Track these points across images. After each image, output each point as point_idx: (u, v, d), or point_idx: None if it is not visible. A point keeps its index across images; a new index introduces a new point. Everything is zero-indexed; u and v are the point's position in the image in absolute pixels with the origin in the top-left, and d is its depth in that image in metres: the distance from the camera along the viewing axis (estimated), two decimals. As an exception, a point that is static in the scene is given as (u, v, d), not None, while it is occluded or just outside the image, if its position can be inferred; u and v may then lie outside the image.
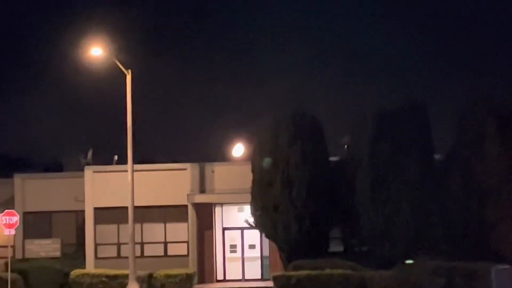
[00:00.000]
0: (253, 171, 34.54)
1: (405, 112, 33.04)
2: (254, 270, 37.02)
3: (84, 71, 34.95)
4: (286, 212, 33.22)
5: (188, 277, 34.14)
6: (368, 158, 32.72)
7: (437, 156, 33.73)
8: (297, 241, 33.24)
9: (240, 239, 37.30)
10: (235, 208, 37.38)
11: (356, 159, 33.49)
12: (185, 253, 36.60)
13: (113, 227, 36.75)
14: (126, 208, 31.26)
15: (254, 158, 34.88)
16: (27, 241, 38.03)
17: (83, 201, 37.21)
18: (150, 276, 33.97)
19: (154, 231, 36.91)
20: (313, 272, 31.59)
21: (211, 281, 36.59)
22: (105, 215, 36.79)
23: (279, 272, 33.13)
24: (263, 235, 35.28)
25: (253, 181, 34.40)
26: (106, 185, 36.88)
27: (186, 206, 36.65)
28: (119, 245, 36.82)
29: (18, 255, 37.81)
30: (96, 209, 37.04)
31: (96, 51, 30.67)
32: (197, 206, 36.78)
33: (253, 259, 37.15)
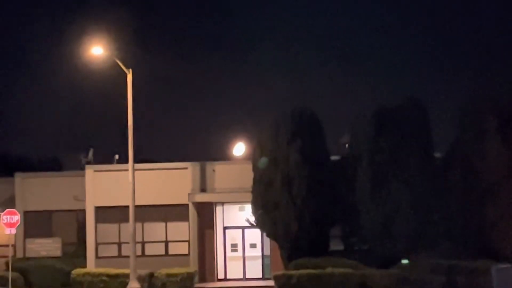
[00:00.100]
0: (253, 170, 34.53)
1: (405, 110, 33.03)
2: (255, 269, 36.97)
3: (84, 71, 34.98)
4: (286, 210, 33.22)
5: (189, 276, 34.11)
6: (368, 156, 32.70)
7: (437, 154, 33.71)
8: (297, 239, 33.22)
9: (241, 238, 37.24)
10: (236, 207, 37.35)
11: (356, 157, 33.47)
12: (186, 252, 36.57)
13: (114, 226, 36.71)
14: (127, 207, 31.30)
15: (254, 157, 34.86)
16: (28, 240, 37.98)
17: (83, 200, 37.19)
18: (151, 275, 33.93)
19: (155, 230, 36.87)
20: (314, 271, 31.58)
21: (212, 280, 36.54)
22: (106, 214, 36.76)
23: (280, 271, 33.09)
24: (264, 234, 35.28)
25: (254, 180, 34.38)
26: (107, 184, 36.82)
27: (187, 205, 36.63)
28: (120, 244, 36.79)
29: (19, 254, 37.77)
30: (97, 208, 37.00)
31: (97, 50, 30.67)
32: (198, 205, 36.76)
33: (254, 258, 37.10)
